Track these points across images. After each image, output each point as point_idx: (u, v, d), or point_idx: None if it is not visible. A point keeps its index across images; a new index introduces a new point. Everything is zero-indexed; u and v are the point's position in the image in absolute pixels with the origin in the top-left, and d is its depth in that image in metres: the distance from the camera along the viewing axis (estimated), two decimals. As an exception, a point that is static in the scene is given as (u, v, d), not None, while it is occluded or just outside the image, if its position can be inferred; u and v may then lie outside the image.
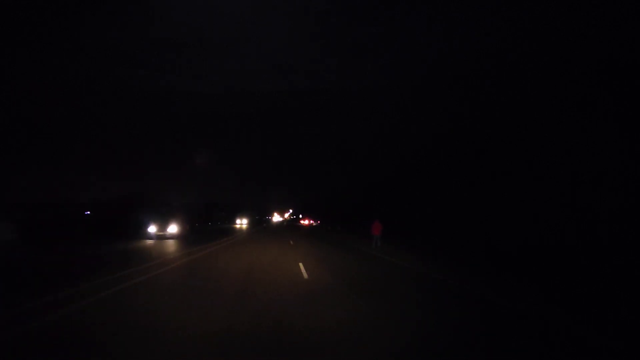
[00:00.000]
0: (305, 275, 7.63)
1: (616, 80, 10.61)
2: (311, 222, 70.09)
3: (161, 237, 18.78)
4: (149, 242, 16.16)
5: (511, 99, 14.86)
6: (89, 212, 37.16)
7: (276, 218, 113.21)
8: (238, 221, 61.40)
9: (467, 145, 16.80)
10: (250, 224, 60.90)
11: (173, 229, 19.53)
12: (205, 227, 42.97)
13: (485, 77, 16.95)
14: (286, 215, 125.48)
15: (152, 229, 18.92)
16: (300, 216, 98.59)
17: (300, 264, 9.21)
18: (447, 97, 21.27)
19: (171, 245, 14.95)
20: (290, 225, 62.38)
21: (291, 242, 18.01)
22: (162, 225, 19.43)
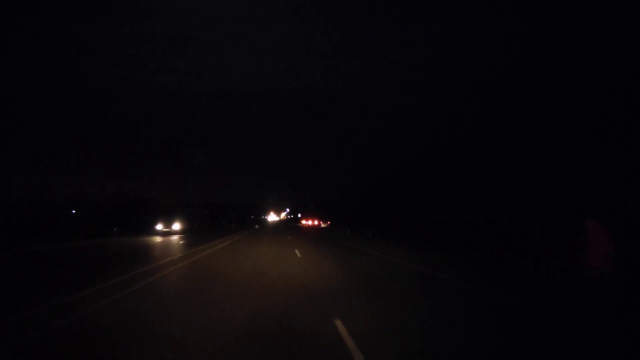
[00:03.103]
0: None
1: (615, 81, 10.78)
2: (318, 222, 55.55)
3: None
4: None
5: (511, 98, 15.00)
6: (74, 211, 36.45)
7: (272, 217, 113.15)
8: (159, 227, 26.34)
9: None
10: (189, 235, 24.86)
11: None
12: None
13: (484, 77, 17.11)
14: (283, 214, 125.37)
15: None
16: (300, 215, 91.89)
17: None
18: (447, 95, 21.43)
19: None
20: (289, 226, 50.81)
21: None
22: None
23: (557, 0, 13.50)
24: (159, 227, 26.26)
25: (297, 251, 13.04)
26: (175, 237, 22.06)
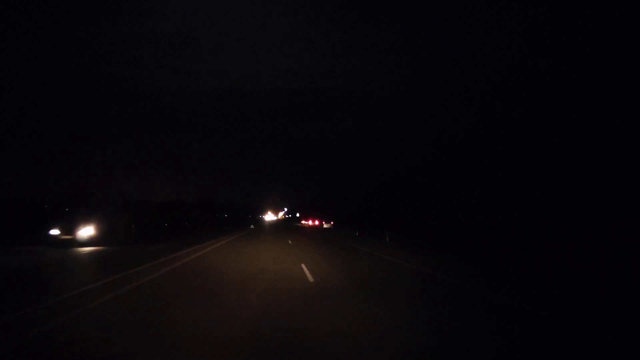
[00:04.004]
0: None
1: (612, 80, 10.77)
2: (320, 223, 52.69)
3: None
4: None
5: (511, 99, 14.99)
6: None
7: (270, 217, 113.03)
8: (55, 232, 15.57)
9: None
10: (112, 247, 13.17)
11: None
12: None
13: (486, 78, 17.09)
14: (281, 214, 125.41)
15: None
16: (298, 215, 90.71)
17: None
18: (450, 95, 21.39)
19: None
20: (288, 226, 47.95)
21: None
22: None
23: (557, 0, 13.49)
24: (55, 232, 16.52)
25: (304, 267, 8.41)
26: (73, 253, 11.63)
